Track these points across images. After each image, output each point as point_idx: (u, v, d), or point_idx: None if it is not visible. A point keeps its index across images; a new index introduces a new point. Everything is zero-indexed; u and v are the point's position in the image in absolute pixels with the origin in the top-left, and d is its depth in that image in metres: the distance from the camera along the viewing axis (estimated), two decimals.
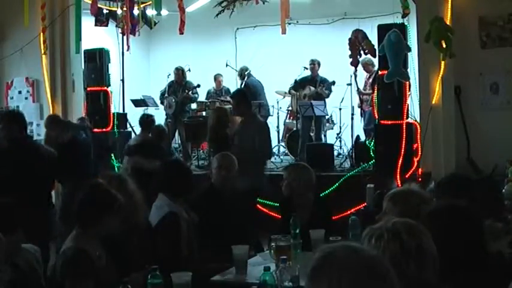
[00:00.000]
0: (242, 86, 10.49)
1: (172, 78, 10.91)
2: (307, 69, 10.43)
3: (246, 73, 10.71)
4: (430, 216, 2.62)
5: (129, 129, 10.16)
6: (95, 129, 8.61)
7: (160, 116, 10.92)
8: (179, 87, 10.74)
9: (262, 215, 7.24)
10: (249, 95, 8.16)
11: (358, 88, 10.00)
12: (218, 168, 4.96)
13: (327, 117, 10.25)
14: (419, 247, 2.08)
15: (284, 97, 11.07)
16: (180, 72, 10.81)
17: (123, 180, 3.88)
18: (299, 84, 10.35)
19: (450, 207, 2.68)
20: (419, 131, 7.66)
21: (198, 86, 10.72)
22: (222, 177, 4.91)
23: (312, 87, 10.18)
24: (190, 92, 10.71)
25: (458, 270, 2.43)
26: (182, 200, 4.38)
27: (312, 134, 9.99)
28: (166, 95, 10.71)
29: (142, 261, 3.51)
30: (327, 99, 10.21)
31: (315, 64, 10.32)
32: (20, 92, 10.08)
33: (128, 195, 3.78)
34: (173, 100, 10.61)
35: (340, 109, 10.13)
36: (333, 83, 10.01)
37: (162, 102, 10.91)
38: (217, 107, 9.37)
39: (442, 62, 7.45)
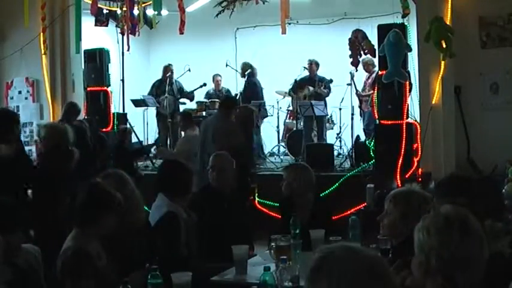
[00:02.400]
0: (247, 83, 10.44)
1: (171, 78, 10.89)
2: (307, 69, 10.43)
3: (253, 71, 10.68)
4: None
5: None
6: None
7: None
8: (169, 86, 10.72)
9: (262, 215, 7.25)
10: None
11: (357, 90, 10.00)
12: (210, 168, 4.97)
13: (327, 117, 10.25)
14: (464, 221, 2.11)
15: (284, 97, 11.06)
16: (170, 70, 10.81)
17: (123, 178, 3.88)
18: (298, 85, 10.34)
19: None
20: (419, 131, 7.67)
21: (205, 84, 10.72)
22: (212, 177, 4.91)
23: (311, 87, 10.18)
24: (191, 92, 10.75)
25: None
26: (182, 199, 4.38)
27: (312, 135, 9.99)
28: (166, 95, 10.68)
29: (142, 260, 3.51)
30: (327, 99, 10.22)
31: (312, 64, 10.31)
32: (20, 92, 10.09)
33: (128, 194, 3.79)
34: (171, 99, 10.61)
35: (340, 109, 10.13)
36: (331, 81, 10.01)
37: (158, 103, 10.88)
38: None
39: (442, 62, 7.45)
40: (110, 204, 3.38)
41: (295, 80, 10.41)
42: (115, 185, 3.66)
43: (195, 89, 10.76)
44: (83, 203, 3.40)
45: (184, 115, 8.76)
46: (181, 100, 11.02)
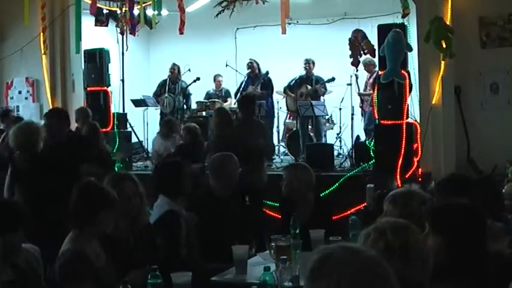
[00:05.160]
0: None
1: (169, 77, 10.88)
2: (306, 69, 10.42)
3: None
4: (436, 214, 2.62)
5: (129, 129, 10.15)
6: None
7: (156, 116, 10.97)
8: (173, 85, 10.71)
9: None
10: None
11: (358, 89, 9.99)
12: (210, 172, 4.93)
13: (326, 117, 10.24)
14: (404, 245, 2.08)
15: (284, 97, 11.05)
16: (176, 69, 10.80)
17: (136, 182, 3.90)
18: (296, 84, 10.31)
19: (458, 205, 2.67)
20: (419, 131, 7.66)
21: (198, 79, 10.68)
22: (213, 178, 4.89)
23: (308, 85, 10.18)
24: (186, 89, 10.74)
25: (459, 269, 2.43)
26: (182, 198, 4.39)
27: (312, 134, 9.99)
28: (166, 94, 10.68)
29: (143, 260, 3.51)
30: (326, 100, 10.22)
31: (309, 63, 10.30)
32: (20, 92, 10.10)
33: (139, 196, 3.83)
34: (171, 98, 10.61)
35: (340, 109, 10.13)
36: (333, 79, 9.99)
37: (157, 102, 10.87)
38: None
39: (442, 62, 7.45)
40: (103, 201, 3.37)
41: (295, 80, 10.38)
42: (130, 188, 3.74)
43: (189, 84, 10.74)
44: (76, 203, 3.39)
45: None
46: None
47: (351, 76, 9.90)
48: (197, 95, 11.06)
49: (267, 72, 10.34)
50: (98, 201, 3.35)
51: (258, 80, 10.40)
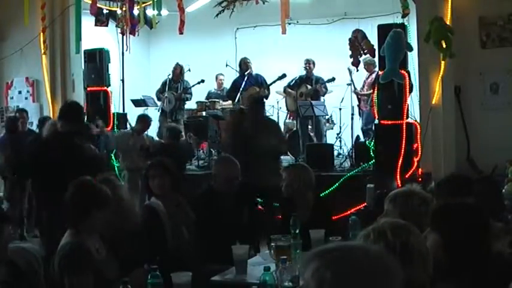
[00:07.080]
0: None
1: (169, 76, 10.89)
2: (307, 69, 10.42)
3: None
4: (439, 213, 2.61)
5: (129, 129, 10.14)
6: None
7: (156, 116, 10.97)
8: (175, 84, 10.72)
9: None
10: None
11: (355, 88, 9.99)
12: (214, 175, 4.94)
13: (326, 117, 10.24)
14: (404, 245, 2.08)
15: (284, 97, 11.05)
16: (178, 69, 10.80)
17: (115, 184, 3.91)
18: (296, 84, 10.31)
19: (462, 205, 2.67)
20: (419, 131, 7.67)
21: (203, 81, 10.68)
22: (212, 179, 4.92)
23: (308, 85, 10.17)
24: (184, 94, 10.72)
25: (459, 269, 2.43)
26: (172, 197, 4.39)
27: (312, 134, 9.99)
28: (166, 94, 10.67)
29: (142, 260, 3.52)
30: (326, 100, 10.22)
31: (310, 63, 10.29)
32: (20, 92, 10.10)
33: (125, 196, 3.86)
34: (173, 96, 10.61)
35: (340, 109, 10.12)
36: (333, 79, 9.99)
37: (159, 99, 10.88)
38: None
39: (442, 62, 7.46)
40: (95, 200, 3.35)
41: (295, 80, 10.38)
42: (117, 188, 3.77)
43: (193, 85, 10.75)
44: (71, 201, 3.38)
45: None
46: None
47: (350, 73, 9.87)
48: (198, 94, 11.06)
49: (284, 75, 10.30)
50: (89, 200, 3.33)
51: (253, 79, 10.40)
